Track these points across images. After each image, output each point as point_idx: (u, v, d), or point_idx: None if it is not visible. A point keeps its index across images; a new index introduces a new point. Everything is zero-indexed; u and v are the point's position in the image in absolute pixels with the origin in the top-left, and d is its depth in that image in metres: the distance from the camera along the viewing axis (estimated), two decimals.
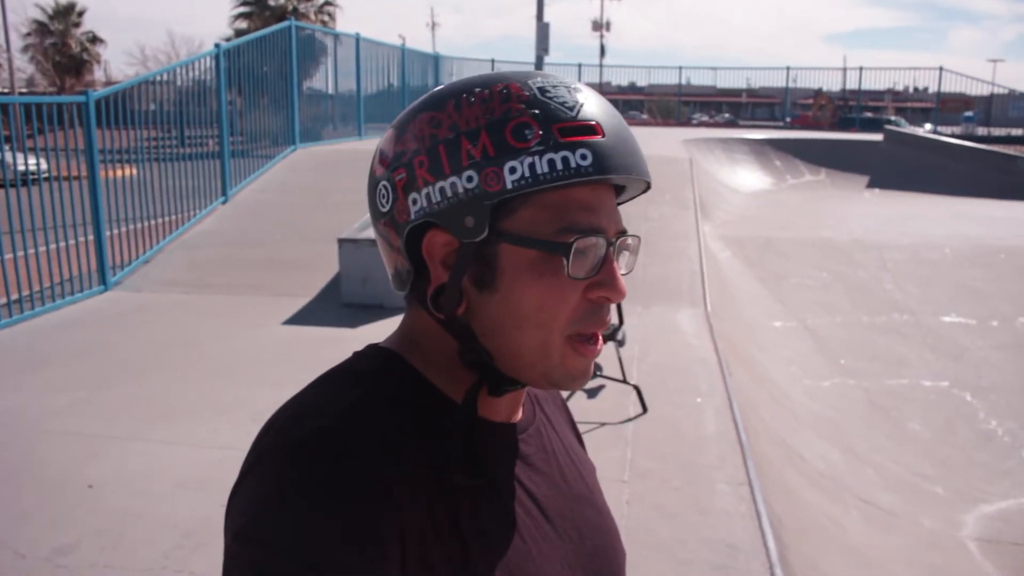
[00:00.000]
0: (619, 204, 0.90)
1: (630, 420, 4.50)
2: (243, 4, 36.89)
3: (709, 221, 9.70)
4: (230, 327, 6.19)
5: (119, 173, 7.63)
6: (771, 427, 5.50)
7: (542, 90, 0.80)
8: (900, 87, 41.85)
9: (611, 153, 0.79)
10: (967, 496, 5.80)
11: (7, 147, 6.85)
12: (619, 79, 42.24)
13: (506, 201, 0.78)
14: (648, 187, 0.89)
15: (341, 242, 6.51)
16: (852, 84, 36.51)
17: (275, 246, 7.95)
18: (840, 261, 9.01)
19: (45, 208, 6.67)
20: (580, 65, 30.34)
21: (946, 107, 36.98)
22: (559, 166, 0.77)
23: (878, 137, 16.54)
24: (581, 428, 1.14)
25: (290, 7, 35.43)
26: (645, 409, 4.59)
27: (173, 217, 8.30)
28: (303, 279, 7.21)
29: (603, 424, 4.42)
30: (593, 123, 0.79)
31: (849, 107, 35.11)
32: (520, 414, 0.96)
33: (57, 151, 6.81)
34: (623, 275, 0.84)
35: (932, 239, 9.39)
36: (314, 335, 5.98)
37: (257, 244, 8.04)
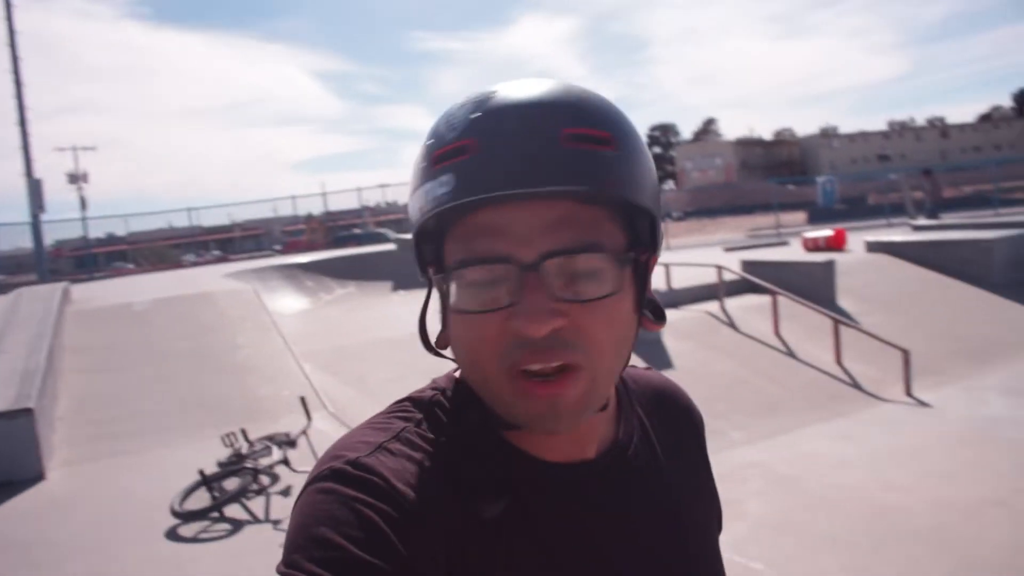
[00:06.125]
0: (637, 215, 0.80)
1: None
2: None
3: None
4: None
5: None
6: None
7: (451, 113, 0.78)
8: (372, 203, 46.09)
9: (480, 172, 0.73)
10: None
11: None
12: (96, 231, 40.47)
13: (441, 234, 0.78)
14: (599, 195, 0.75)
15: None
16: (331, 207, 39.54)
17: None
18: (408, 352, 10.26)
19: None
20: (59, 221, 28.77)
21: None
22: (427, 197, 0.75)
23: (391, 247, 18.68)
24: None
25: None
26: None
27: None
28: None
29: None
30: (465, 142, 0.74)
31: (337, 227, 38.00)
32: (597, 450, 0.90)
33: None
34: (576, 301, 0.74)
35: None
36: None
37: None
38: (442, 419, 0.85)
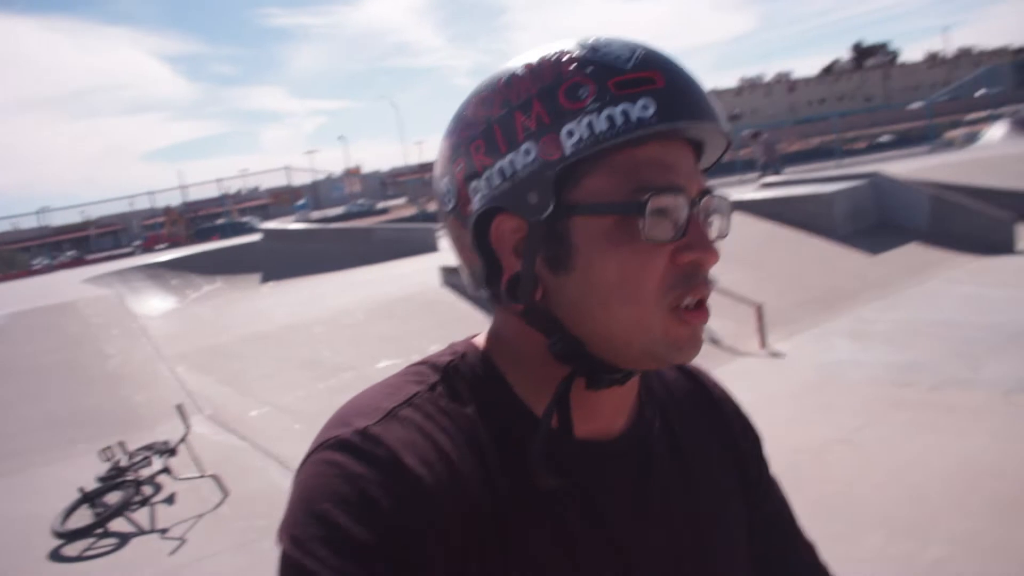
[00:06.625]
0: (705, 170, 0.83)
1: None
2: None
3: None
4: None
5: None
6: None
7: (594, 48, 0.75)
8: (234, 191, 44.84)
9: (676, 100, 0.73)
10: None
11: None
12: None
13: (570, 170, 0.73)
14: (729, 144, 0.82)
15: None
16: (190, 197, 38.28)
17: None
18: (282, 346, 10.23)
19: None
20: None
21: (279, 200, 41.06)
22: (619, 120, 0.71)
23: (256, 237, 18.38)
24: None
25: None
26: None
27: None
28: None
29: None
30: (653, 72, 0.73)
31: (199, 218, 36.82)
32: (621, 427, 0.87)
33: None
34: (718, 238, 0.78)
35: (344, 307, 11.16)
36: None
37: None
38: (459, 388, 0.81)
